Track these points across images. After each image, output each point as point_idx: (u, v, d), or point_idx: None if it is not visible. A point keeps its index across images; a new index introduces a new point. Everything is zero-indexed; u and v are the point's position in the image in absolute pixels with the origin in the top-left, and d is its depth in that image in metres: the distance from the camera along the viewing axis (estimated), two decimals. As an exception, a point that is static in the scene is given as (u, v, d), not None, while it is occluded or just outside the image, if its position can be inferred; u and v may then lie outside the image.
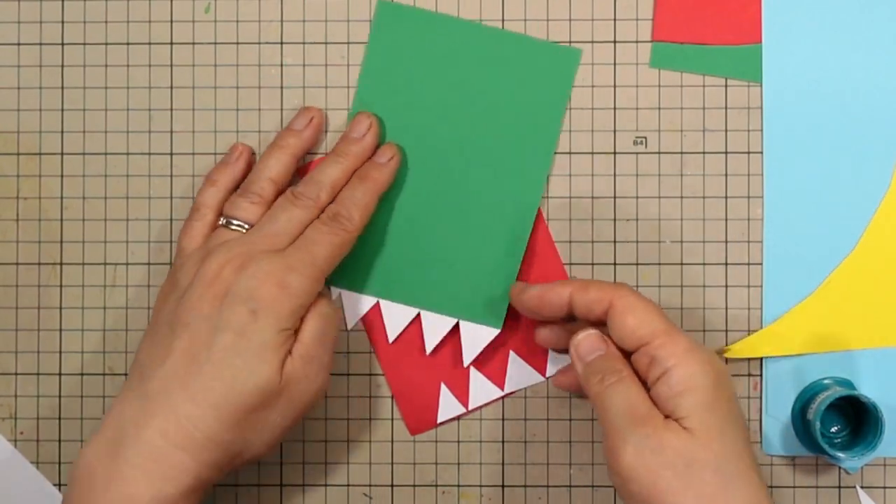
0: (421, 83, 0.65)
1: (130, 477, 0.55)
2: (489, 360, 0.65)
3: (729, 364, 0.65)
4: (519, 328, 0.65)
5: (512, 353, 0.65)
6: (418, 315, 0.65)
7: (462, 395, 0.65)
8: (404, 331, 0.65)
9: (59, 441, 0.66)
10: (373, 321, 0.66)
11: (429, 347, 0.65)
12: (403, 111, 0.65)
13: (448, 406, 0.65)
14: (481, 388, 0.65)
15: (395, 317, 0.65)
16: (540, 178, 0.65)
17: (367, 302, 0.65)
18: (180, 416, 0.56)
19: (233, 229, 0.61)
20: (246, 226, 0.61)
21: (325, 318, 0.60)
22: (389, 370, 0.66)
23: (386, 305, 0.65)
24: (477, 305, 0.65)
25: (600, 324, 0.59)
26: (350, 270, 0.65)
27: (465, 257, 0.65)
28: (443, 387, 0.65)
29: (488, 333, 0.65)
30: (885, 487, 0.65)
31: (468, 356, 0.65)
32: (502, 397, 0.66)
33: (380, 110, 0.65)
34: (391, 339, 0.65)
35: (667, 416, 0.56)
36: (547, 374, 0.65)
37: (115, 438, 0.56)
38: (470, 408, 0.65)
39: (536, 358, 0.65)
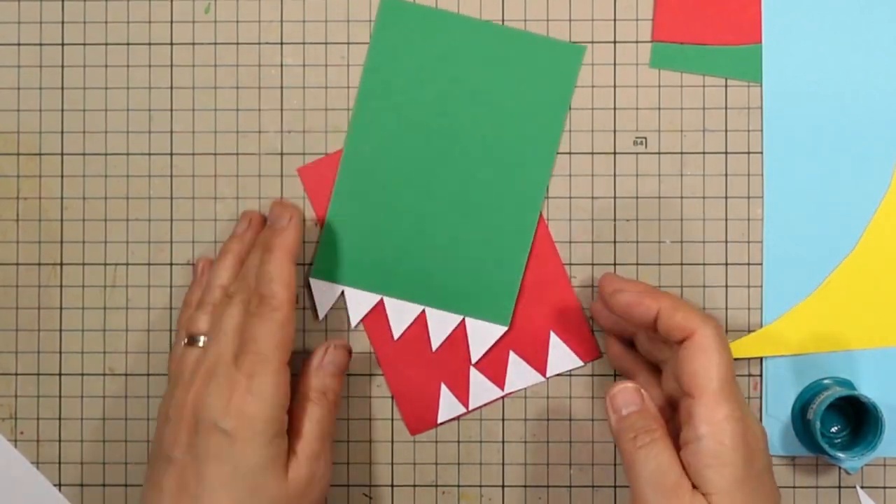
0: (424, 80, 0.65)
1: None
2: (489, 359, 0.65)
3: (729, 364, 0.65)
4: (520, 328, 0.65)
5: (512, 354, 0.65)
6: (423, 312, 0.65)
7: (462, 394, 0.65)
8: (407, 329, 0.65)
9: (59, 441, 0.66)
10: (374, 320, 0.66)
11: (434, 344, 0.65)
12: (406, 108, 0.65)
13: (448, 406, 0.65)
14: (481, 388, 0.65)
15: (400, 313, 0.65)
16: (544, 174, 0.65)
17: (370, 300, 0.65)
18: None
19: (197, 346, 0.61)
20: (205, 337, 0.61)
21: (322, 408, 0.60)
22: (389, 370, 0.66)
23: (390, 303, 0.65)
24: (483, 303, 0.65)
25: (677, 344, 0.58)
26: (355, 268, 0.65)
27: (471, 254, 0.65)
28: (443, 387, 0.65)
29: (495, 331, 0.65)
30: (885, 487, 0.65)
31: (476, 353, 0.65)
32: (502, 397, 0.66)
33: (382, 107, 0.65)
34: (396, 335, 0.65)
35: (695, 487, 0.55)
36: (547, 374, 0.65)
37: None
38: (470, 408, 0.66)
39: (537, 358, 0.65)
